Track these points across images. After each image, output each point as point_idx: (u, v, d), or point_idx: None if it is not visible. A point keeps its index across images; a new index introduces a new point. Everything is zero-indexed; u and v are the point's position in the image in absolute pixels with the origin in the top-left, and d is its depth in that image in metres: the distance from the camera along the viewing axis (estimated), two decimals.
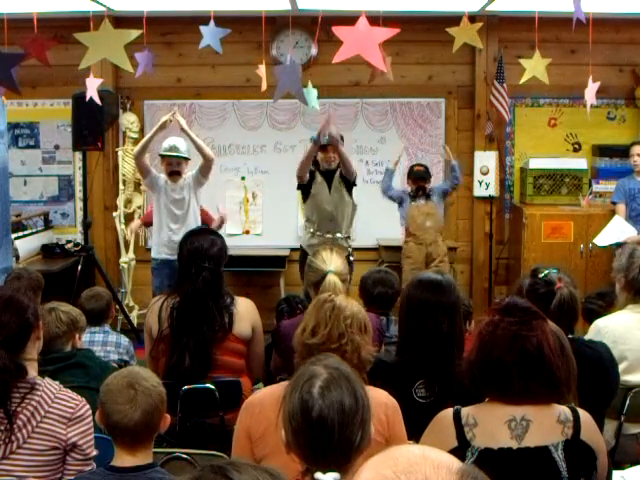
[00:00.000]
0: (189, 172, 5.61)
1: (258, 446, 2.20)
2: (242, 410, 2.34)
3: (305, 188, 5.72)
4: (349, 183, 5.73)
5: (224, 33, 4.25)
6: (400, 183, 6.84)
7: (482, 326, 2.14)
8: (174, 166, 5.50)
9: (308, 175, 5.63)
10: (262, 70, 4.56)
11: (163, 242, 5.57)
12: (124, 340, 4.07)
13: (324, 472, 1.63)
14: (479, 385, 2.10)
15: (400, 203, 6.26)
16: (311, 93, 4.44)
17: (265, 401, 2.26)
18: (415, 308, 2.84)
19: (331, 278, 3.11)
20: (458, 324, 2.87)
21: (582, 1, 3.49)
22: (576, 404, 2.14)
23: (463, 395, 2.20)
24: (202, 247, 3.37)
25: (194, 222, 5.51)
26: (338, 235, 5.68)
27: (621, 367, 3.19)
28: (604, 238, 5.89)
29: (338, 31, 3.49)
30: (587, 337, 3.27)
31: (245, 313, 3.41)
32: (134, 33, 3.93)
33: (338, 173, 5.72)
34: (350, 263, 5.52)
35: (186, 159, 5.56)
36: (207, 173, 5.55)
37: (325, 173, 5.72)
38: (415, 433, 2.31)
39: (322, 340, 2.33)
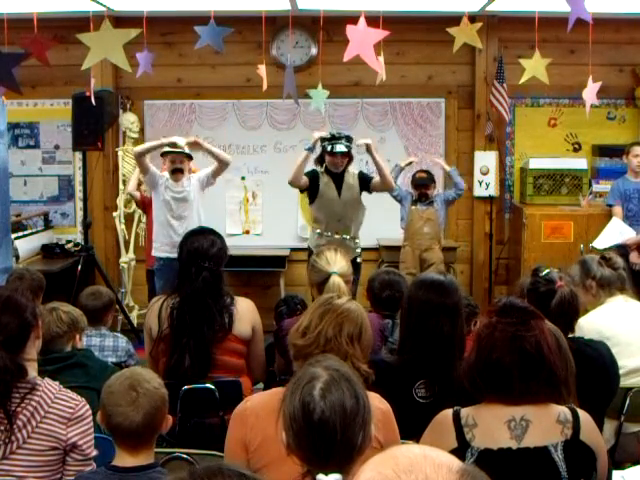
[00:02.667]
0: (198, 173, 5.65)
1: (255, 457, 2.16)
2: (233, 419, 2.29)
3: (311, 189, 5.58)
4: (366, 186, 5.58)
5: (226, 32, 4.25)
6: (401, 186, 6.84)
7: (480, 328, 2.13)
8: (177, 164, 5.52)
9: (306, 179, 5.51)
10: (262, 70, 4.57)
11: (165, 241, 5.57)
12: (121, 342, 3.98)
13: (326, 474, 1.62)
14: (479, 387, 2.10)
15: (400, 201, 6.22)
16: (319, 94, 4.46)
17: (259, 411, 2.21)
18: (417, 308, 2.84)
19: (335, 279, 3.10)
20: (459, 325, 2.86)
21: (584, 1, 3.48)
22: (575, 403, 2.14)
23: (463, 395, 2.19)
24: (202, 247, 3.37)
25: (197, 221, 5.50)
26: (346, 236, 5.54)
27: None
28: (603, 241, 5.84)
29: (350, 30, 3.51)
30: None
31: (245, 313, 3.40)
32: (133, 32, 3.94)
33: (356, 174, 5.61)
34: (358, 265, 5.50)
35: (188, 156, 5.58)
36: (219, 175, 5.65)
37: (333, 173, 5.55)
38: (415, 433, 2.31)
39: (308, 342, 2.29)
